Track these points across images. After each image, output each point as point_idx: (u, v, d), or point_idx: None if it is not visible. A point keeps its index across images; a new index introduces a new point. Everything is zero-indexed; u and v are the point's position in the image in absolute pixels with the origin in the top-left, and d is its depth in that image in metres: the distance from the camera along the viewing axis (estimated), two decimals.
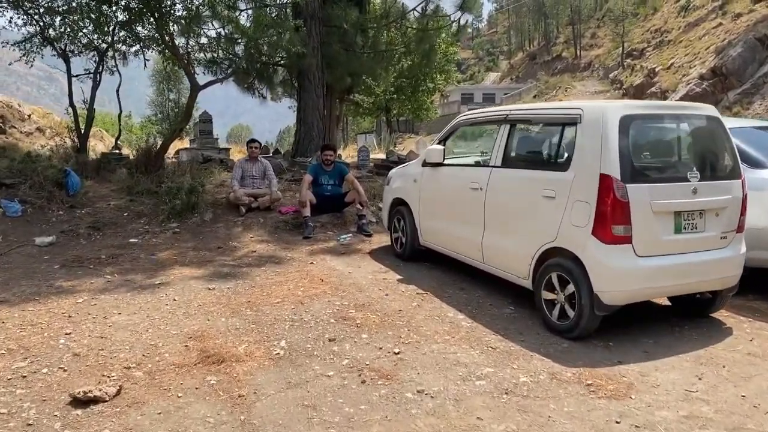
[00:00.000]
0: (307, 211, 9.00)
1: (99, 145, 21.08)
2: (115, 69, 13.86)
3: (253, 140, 10.04)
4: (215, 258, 7.56)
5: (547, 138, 5.62)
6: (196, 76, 11.21)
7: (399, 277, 6.71)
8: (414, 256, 7.39)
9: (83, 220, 8.97)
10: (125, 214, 9.44)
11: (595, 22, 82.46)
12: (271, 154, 19.60)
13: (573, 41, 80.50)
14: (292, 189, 11.48)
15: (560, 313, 4.88)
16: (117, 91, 17.25)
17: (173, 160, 16.67)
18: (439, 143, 7.04)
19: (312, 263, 7.31)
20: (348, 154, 24.79)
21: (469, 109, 8.67)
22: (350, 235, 8.90)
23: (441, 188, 6.83)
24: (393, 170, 8.38)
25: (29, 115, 19.49)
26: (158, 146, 11.12)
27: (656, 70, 40.77)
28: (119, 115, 17.21)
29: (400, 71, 24.34)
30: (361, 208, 9.27)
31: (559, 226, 4.86)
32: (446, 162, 6.86)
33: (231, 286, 6.22)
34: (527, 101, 57.95)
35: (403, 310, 5.45)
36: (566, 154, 5.04)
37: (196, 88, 10.79)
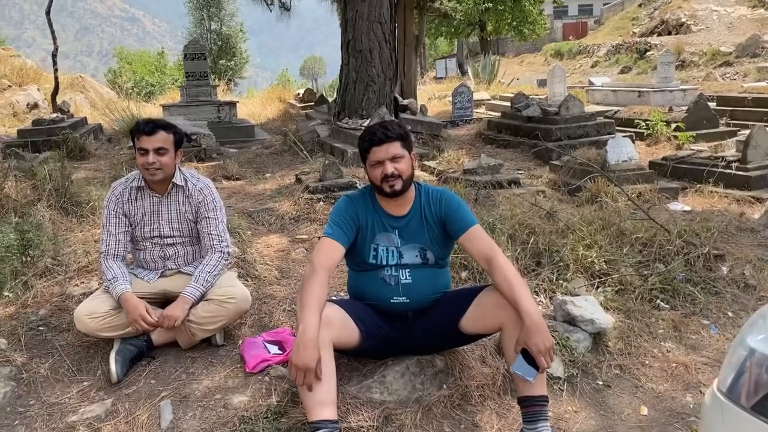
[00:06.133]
0: (323, 408, 2.26)
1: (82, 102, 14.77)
2: None
3: (150, 124, 3.02)
4: None
5: None
6: None
7: None
8: None
9: None
10: None
11: None
12: (313, 103, 12.64)
13: None
14: (315, 217, 4.60)
15: None
16: (47, 12, 10.83)
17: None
18: None
19: None
20: (428, 93, 17.27)
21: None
22: None
23: None
24: None
25: None
26: None
27: None
28: (53, 54, 10.83)
29: None
30: (529, 377, 2.29)
31: None
32: None
33: None
34: (632, 11, 47.94)
35: None
36: None
37: None
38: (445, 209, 2.65)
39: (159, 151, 2.95)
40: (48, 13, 10.19)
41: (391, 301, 2.64)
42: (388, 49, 8.00)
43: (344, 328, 2.50)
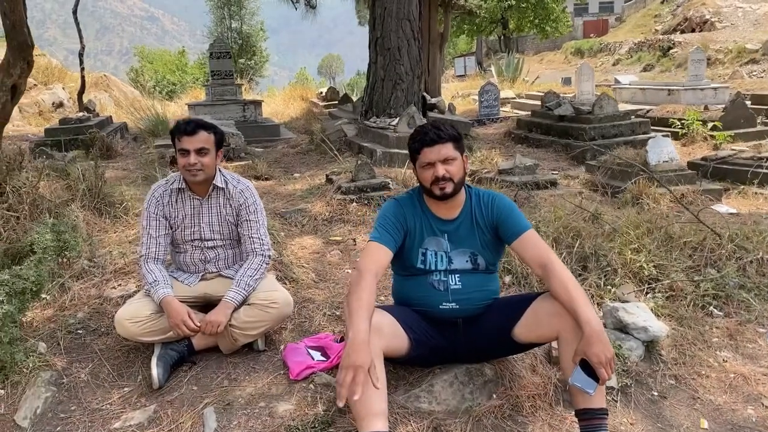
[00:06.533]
0: (375, 419, 2.17)
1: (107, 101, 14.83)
2: None
3: (191, 124, 2.92)
4: None
5: None
6: None
7: None
8: None
9: None
10: None
11: None
12: (337, 102, 12.58)
13: None
14: (349, 218, 4.52)
15: None
16: (74, 11, 10.86)
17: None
18: None
19: None
20: (451, 91, 17.16)
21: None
22: None
23: None
24: None
25: None
26: None
27: None
28: (80, 53, 10.87)
29: None
30: (589, 389, 2.20)
31: None
32: None
33: None
34: (654, 8, 47.34)
35: None
36: None
37: None
38: (498, 213, 2.56)
39: (200, 151, 2.88)
40: (75, 12, 10.24)
41: (440, 307, 2.56)
42: (416, 47, 7.89)
43: (394, 336, 2.43)
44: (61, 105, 13.29)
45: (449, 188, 2.48)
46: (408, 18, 7.75)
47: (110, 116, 10.86)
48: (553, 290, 2.37)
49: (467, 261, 2.57)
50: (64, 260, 3.56)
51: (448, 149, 2.47)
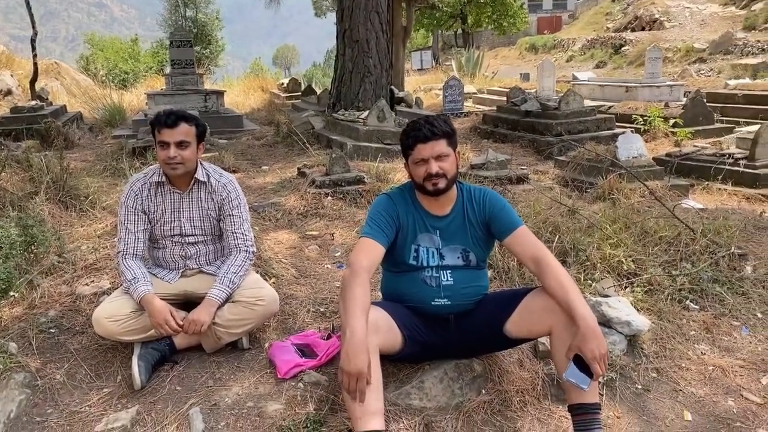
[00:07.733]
0: (371, 418, 2.15)
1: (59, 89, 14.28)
2: None
3: (172, 116, 2.78)
4: None
5: None
6: None
7: None
8: None
9: None
10: None
11: None
12: (300, 93, 12.41)
13: None
14: (324, 213, 4.47)
15: None
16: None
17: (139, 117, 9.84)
18: None
19: None
20: (413, 85, 17.18)
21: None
22: None
23: None
24: None
25: None
26: None
27: None
28: (32, 40, 10.43)
29: None
30: (583, 384, 2.23)
31: None
32: None
33: None
34: (606, 6, 48.37)
35: None
36: None
37: None
38: (490, 210, 2.55)
39: (181, 144, 2.78)
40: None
41: (432, 303, 2.54)
42: (384, 40, 7.84)
43: (389, 333, 2.41)
44: (9, 93, 12.71)
45: (442, 184, 2.45)
46: (377, 10, 7.69)
47: (64, 105, 10.47)
48: (547, 285, 2.37)
49: (458, 257, 2.56)
50: (32, 256, 3.40)
51: (441, 146, 2.45)
